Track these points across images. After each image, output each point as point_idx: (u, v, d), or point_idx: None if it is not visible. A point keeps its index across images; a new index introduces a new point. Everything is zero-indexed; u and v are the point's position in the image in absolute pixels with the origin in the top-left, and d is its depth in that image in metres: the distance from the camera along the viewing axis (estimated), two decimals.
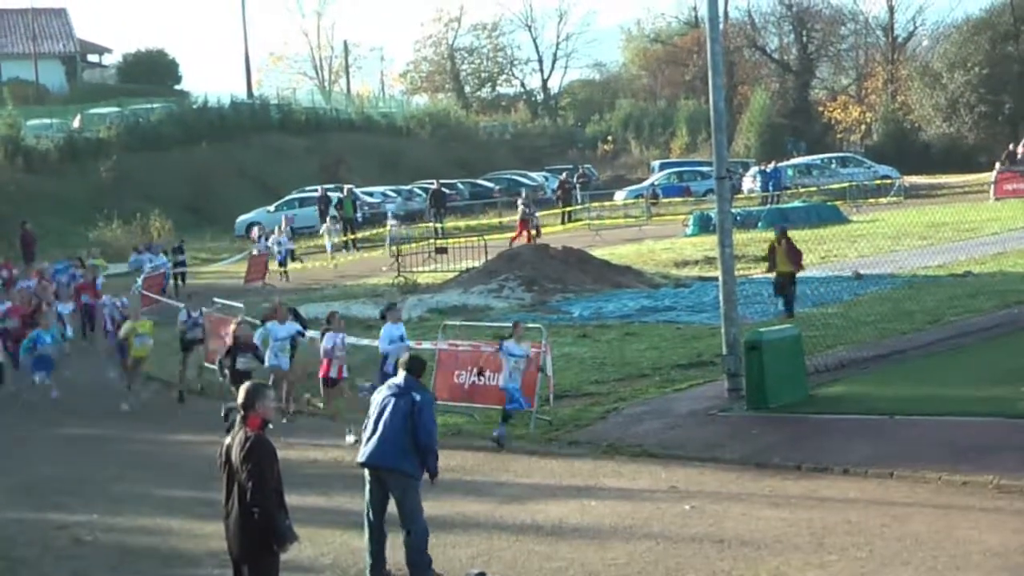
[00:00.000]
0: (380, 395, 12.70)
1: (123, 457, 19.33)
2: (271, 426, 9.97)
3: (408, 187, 65.12)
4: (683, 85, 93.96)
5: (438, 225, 52.37)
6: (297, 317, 22.30)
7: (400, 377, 12.67)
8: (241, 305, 26.99)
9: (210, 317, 25.64)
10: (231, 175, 66.20)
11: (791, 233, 27.36)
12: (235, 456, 9.73)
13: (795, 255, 26.46)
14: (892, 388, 18.89)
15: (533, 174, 74.38)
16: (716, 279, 20.77)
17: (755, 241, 38.73)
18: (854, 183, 58.72)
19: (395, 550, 13.56)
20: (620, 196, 64.70)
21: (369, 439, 12.50)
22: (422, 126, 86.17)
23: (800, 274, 26.43)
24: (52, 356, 23.09)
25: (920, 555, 12.31)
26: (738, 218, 37.80)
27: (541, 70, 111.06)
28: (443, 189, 60.08)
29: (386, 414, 12.40)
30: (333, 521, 14.70)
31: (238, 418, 9.94)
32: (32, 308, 25.98)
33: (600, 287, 33.19)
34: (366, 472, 12.52)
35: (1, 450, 20.33)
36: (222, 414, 11.82)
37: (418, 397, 12.41)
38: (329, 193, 58.81)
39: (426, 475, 12.48)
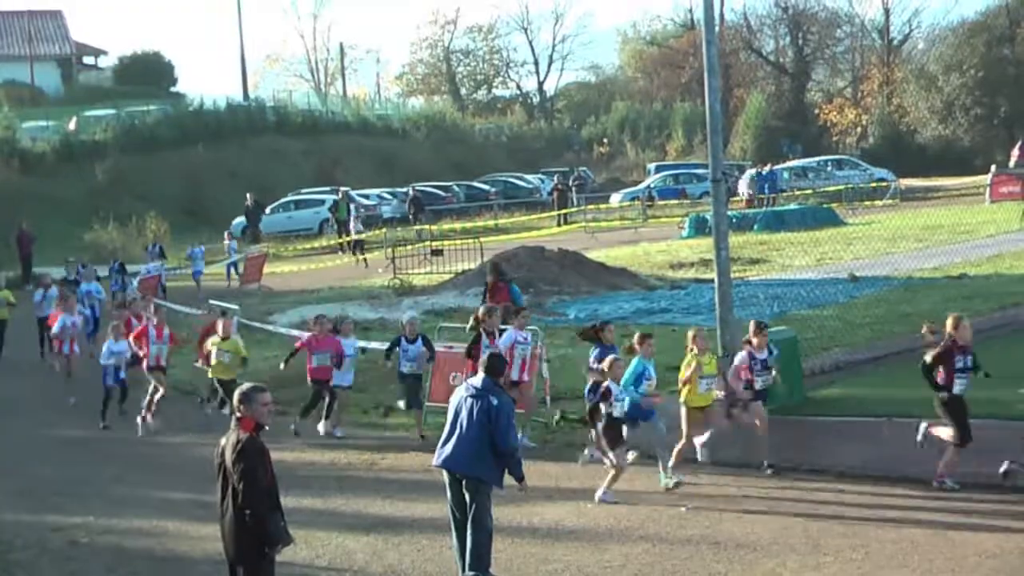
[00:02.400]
0: (458, 396, 12.42)
1: (120, 459, 19.32)
2: (267, 428, 9.97)
3: (404, 189, 65.10)
4: (679, 87, 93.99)
5: (420, 228, 52.16)
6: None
7: (479, 378, 12.38)
8: (237, 307, 26.99)
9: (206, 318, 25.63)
10: (227, 177, 66.10)
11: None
12: (228, 458, 9.75)
13: (500, 296, 22.86)
14: (888, 390, 18.87)
15: (529, 176, 74.41)
16: (712, 281, 20.76)
17: (751, 243, 38.82)
18: (850, 185, 58.76)
19: (388, 551, 13.57)
20: (616, 198, 64.75)
21: (446, 442, 12.29)
22: (418, 128, 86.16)
23: (793, 276, 26.21)
24: None
25: (916, 557, 12.33)
26: (734, 220, 37.85)
27: (537, 72, 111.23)
28: (419, 194, 59.41)
29: (463, 417, 12.15)
30: (329, 523, 14.72)
31: (233, 420, 9.97)
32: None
33: (596, 289, 33.19)
34: (444, 473, 12.31)
35: None
36: None
37: (495, 401, 12.07)
38: (324, 195, 58.97)
39: (511, 480, 12.28)
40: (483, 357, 12.83)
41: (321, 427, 19.72)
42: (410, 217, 55.73)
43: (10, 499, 16.91)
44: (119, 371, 21.64)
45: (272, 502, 9.84)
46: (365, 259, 45.44)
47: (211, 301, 29.55)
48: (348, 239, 52.27)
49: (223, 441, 9.93)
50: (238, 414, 9.88)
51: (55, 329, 24.61)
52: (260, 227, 55.93)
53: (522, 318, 18.53)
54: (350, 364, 19.95)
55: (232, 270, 42.04)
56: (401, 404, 19.39)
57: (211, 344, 20.55)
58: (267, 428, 9.97)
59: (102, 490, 17.24)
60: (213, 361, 20.40)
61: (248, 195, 55.71)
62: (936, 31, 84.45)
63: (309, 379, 19.76)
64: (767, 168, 61.02)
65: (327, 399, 19.73)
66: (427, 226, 51.71)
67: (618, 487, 15.76)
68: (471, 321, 18.91)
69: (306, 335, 20.83)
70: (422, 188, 66.02)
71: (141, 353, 21.52)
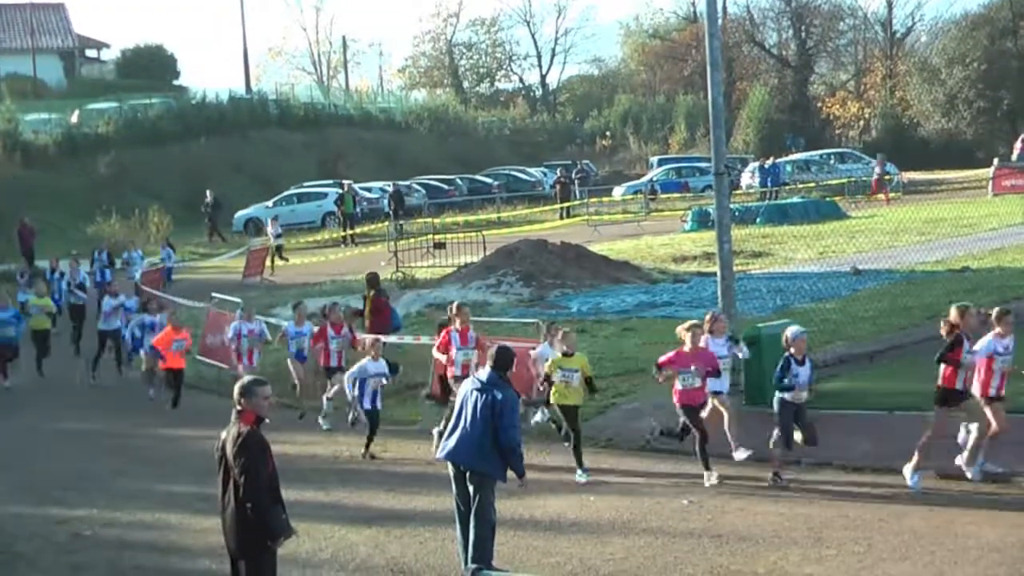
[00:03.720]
0: (464, 389, 12.38)
1: (123, 452, 19.35)
2: (267, 421, 9.97)
3: (407, 182, 65.09)
4: (682, 81, 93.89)
5: (400, 223, 51.86)
6: None
7: (484, 372, 12.36)
8: (240, 300, 27.01)
9: (210, 312, 25.69)
10: (229, 171, 66.15)
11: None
12: (229, 451, 9.76)
13: (380, 317, 22.04)
14: (890, 383, 18.88)
15: (531, 169, 74.41)
16: (714, 274, 20.77)
17: (753, 237, 38.81)
18: (852, 179, 58.73)
19: (390, 544, 13.58)
20: (618, 192, 64.74)
21: (451, 435, 12.28)
22: (420, 121, 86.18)
23: (796, 270, 26.11)
24: None
25: (918, 550, 12.33)
26: (737, 214, 37.83)
27: (540, 65, 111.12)
28: (401, 190, 58.12)
29: (468, 411, 12.13)
30: (331, 516, 14.73)
31: (234, 413, 9.96)
32: None
33: (598, 282, 33.18)
34: (449, 465, 12.29)
35: (2, 445, 20.34)
36: None
37: (500, 395, 12.01)
38: (327, 188, 58.93)
39: (513, 475, 12.18)
40: (492, 350, 12.81)
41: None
42: (389, 213, 55.20)
43: (14, 492, 16.94)
44: (376, 395, 18.36)
45: (273, 495, 9.85)
46: (273, 267, 43.23)
47: (214, 295, 29.58)
48: (352, 232, 52.36)
49: (223, 435, 9.94)
50: (239, 407, 9.89)
51: (230, 335, 22.31)
52: (221, 225, 55.18)
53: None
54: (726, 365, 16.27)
55: (167, 277, 39.24)
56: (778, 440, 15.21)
57: (551, 366, 16.42)
58: (267, 421, 9.97)
59: (105, 483, 17.27)
60: (556, 385, 16.39)
61: (207, 192, 54.57)
62: (939, 24, 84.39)
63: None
64: (770, 161, 60.98)
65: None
66: (430, 220, 51.68)
67: (619, 480, 15.75)
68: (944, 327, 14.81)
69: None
70: (424, 181, 66.09)
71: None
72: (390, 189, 57.82)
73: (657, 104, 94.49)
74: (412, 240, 43.29)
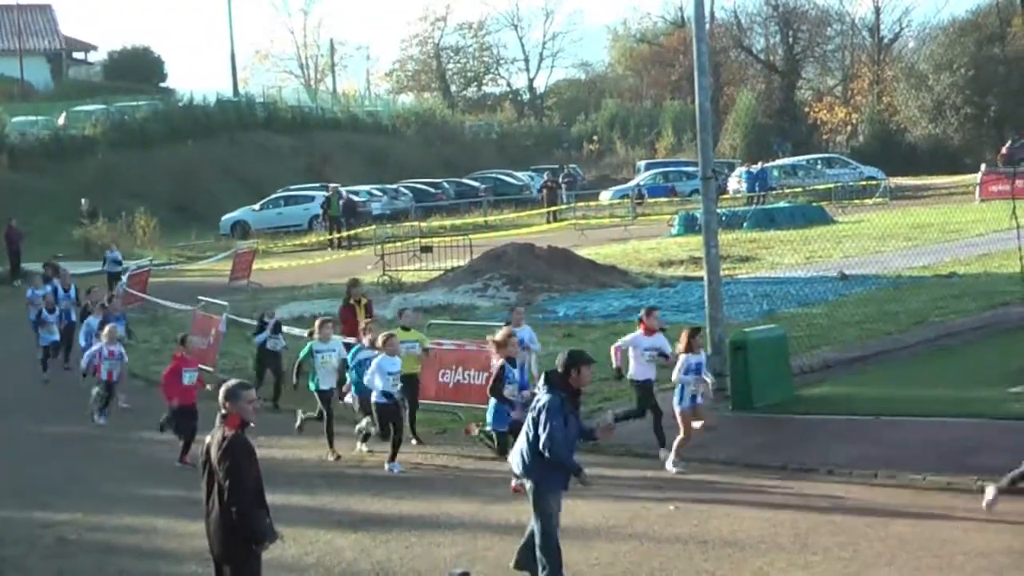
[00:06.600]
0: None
1: (108, 456, 19.29)
2: (252, 425, 9.94)
3: (394, 186, 65.15)
4: (669, 85, 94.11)
5: (353, 233, 51.65)
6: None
7: (544, 376, 12.07)
8: (226, 303, 26.96)
9: (196, 314, 25.62)
10: (217, 173, 66.11)
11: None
12: (214, 455, 9.73)
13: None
14: (877, 389, 18.92)
15: (519, 173, 74.47)
16: (701, 279, 20.78)
17: (740, 241, 38.84)
18: (840, 184, 58.83)
19: (376, 548, 13.56)
20: (606, 196, 64.81)
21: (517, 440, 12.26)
22: (408, 125, 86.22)
23: (783, 275, 26.17)
24: None
25: (904, 556, 12.33)
26: (724, 218, 37.87)
27: (527, 69, 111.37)
28: (352, 198, 56.53)
29: (529, 417, 11.98)
30: (317, 520, 14.69)
31: (218, 418, 9.94)
32: None
33: (585, 287, 33.21)
34: None
35: None
36: None
37: (542, 399, 11.71)
38: (314, 192, 58.86)
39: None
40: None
41: None
42: (341, 220, 54.26)
43: (0, 496, 16.89)
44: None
45: (258, 499, 9.82)
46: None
47: (200, 298, 29.53)
48: (339, 235, 52.34)
49: (208, 439, 9.91)
50: (223, 411, 9.86)
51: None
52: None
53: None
54: None
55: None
56: None
57: None
58: (252, 425, 9.94)
59: (91, 487, 17.21)
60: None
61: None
62: (927, 30, 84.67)
63: None
64: (757, 166, 61.09)
65: None
66: (417, 223, 51.61)
67: (605, 485, 15.72)
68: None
69: None
70: (411, 184, 66.15)
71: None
72: (343, 197, 57.06)
73: (644, 108, 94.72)
74: (399, 244, 43.28)
